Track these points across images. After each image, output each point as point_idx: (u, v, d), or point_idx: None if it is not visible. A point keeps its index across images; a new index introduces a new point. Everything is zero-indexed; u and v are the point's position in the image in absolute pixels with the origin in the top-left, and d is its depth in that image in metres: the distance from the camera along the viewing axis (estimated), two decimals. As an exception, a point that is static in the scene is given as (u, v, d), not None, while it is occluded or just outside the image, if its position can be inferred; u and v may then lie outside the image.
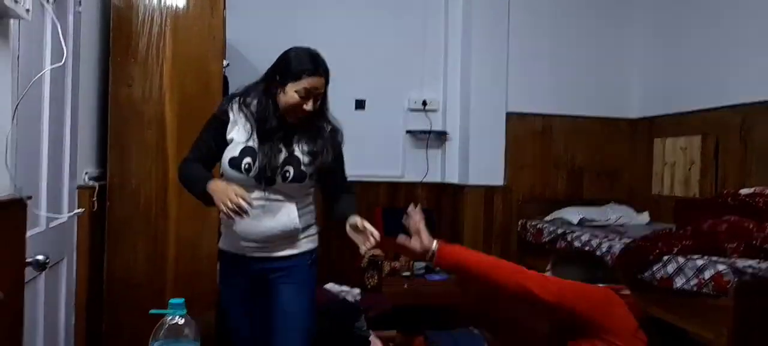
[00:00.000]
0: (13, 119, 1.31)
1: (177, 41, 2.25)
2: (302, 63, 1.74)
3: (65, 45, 1.45)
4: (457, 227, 4.05)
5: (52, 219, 1.71)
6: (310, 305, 1.89)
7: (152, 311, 1.04)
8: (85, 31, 2.05)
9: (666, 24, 4.06)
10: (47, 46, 1.56)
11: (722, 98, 3.49)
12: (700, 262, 2.40)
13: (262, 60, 3.77)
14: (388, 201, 4.09)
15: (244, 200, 1.59)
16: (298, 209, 1.81)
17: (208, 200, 1.69)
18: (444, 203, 4.17)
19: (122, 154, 2.25)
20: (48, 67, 1.52)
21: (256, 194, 1.73)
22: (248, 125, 1.77)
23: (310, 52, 1.79)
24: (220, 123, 1.79)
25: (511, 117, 4.06)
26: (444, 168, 4.18)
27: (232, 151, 1.74)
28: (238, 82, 3.31)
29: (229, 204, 1.59)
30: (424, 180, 4.13)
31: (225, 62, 2.40)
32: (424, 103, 4.08)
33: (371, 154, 3.96)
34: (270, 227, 1.77)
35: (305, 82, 1.72)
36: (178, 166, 1.83)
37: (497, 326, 3.52)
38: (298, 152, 1.78)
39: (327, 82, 1.79)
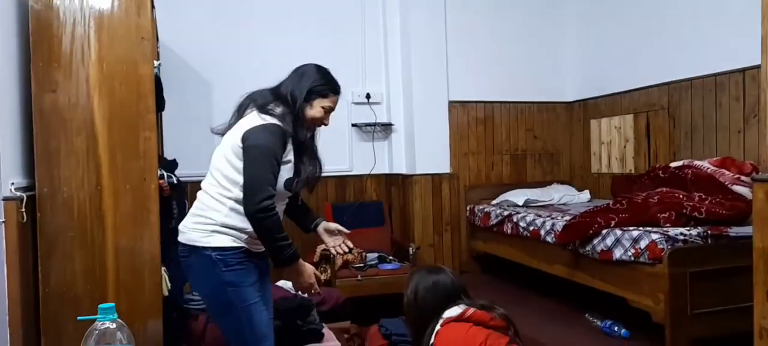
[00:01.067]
0: None
1: (103, 44, 2.15)
2: (331, 82, 1.90)
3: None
4: (407, 217, 4.09)
5: (-26, 234, 1.61)
6: None
7: (80, 318, 1.00)
8: (3, 35, 1.94)
9: (596, 10, 4.22)
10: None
11: (650, 78, 3.67)
12: (635, 233, 2.52)
13: (199, 58, 3.72)
14: (337, 195, 4.09)
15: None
16: None
17: (279, 265, 1.84)
18: (393, 193, 4.20)
19: (50, 162, 2.14)
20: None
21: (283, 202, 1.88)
22: (290, 145, 1.83)
23: (327, 70, 1.94)
24: (285, 145, 1.80)
25: (453, 106, 4.12)
26: (391, 159, 4.20)
27: (288, 172, 1.82)
28: (174, 82, 3.25)
29: (312, 290, 1.92)
30: (372, 172, 4.15)
31: (157, 63, 2.32)
32: (368, 96, 4.09)
33: (318, 148, 3.93)
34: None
35: (330, 100, 1.89)
36: (272, 206, 1.72)
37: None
38: (300, 167, 1.89)
39: None
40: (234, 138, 1.78)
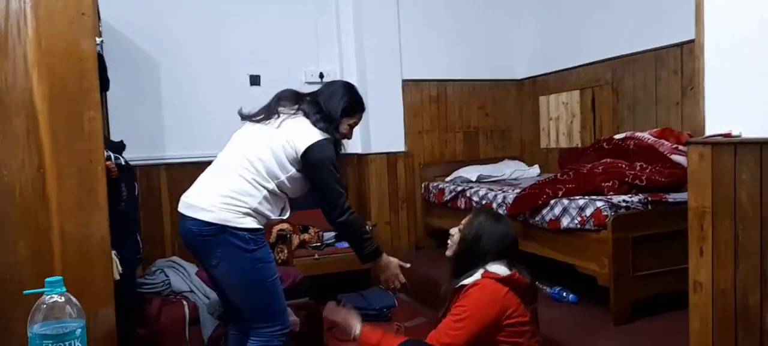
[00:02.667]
0: None
1: (40, 20, 2.06)
2: (359, 102, 2.13)
3: None
4: (363, 195, 4.12)
5: None
6: None
7: (27, 292, 0.97)
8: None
9: (543, -13, 4.31)
10: None
11: (595, 54, 3.80)
12: (581, 201, 2.63)
13: (145, 36, 3.60)
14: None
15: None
16: None
17: (362, 261, 2.13)
18: (349, 172, 4.21)
19: (-12, 146, 2.05)
20: None
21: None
22: None
23: (355, 89, 2.16)
24: (338, 154, 2.04)
25: (407, 84, 4.15)
26: (346, 139, 4.20)
27: None
28: (118, 60, 3.14)
29: (397, 284, 2.16)
30: (327, 152, 4.14)
31: (99, 40, 2.24)
32: (321, 75, 4.06)
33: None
34: None
35: (356, 118, 2.13)
36: (350, 207, 2.03)
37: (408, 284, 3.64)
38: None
39: None
40: (293, 142, 1.95)
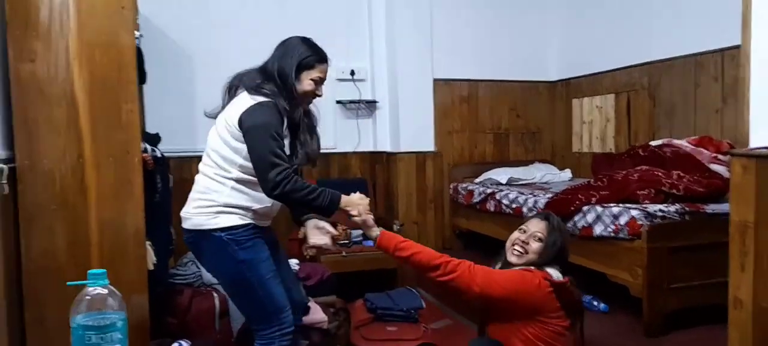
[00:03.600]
0: None
1: (82, 13, 2.10)
2: (314, 53, 1.87)
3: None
4: (391, 194, 4.11)
5: (-46, 204, 1.58)
6: None
7: (71, 283, 0.99)
8: (-23, 4, 1.88)
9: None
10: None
11: (631, 58, 3.71)
12: (616, 209, 2.57)
13: (180, 32, 3.65)
14: (321, 172, 4.08)
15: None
16: None
17: (326, 214, 1.82)
18: (377, 171, 4.21)
19: (30, 133, 2.09)
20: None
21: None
22: (285, 124, 1.84)
23: (312, 41, 1.91)
24: (281, 123, 1.80)
25: (438, 84, 4.13)
26: (376, 136, 4.20)
27: (285, 149, 1.82)
28: (155, 55, 3.19)
29: (364, 219, 1.82)
30: (357, 150, 4.15)
31: (138, 34, 2.28)
32: (353, 72, 4.07)
33: (316, 122, 3.93)
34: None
35: (318, 71, 1.87)
36: (285, 177, 1.71)
37: (434, 284, 3.62)
38: (298, 145, 1.91)
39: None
40: (229, 119, 1.79)
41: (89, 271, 0.97)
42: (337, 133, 4.10)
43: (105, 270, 0.97)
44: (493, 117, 4.36)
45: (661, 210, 2.50)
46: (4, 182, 1.98)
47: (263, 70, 1.87)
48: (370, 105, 4.15)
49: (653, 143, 3.19)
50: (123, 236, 2.24)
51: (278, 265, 1.95)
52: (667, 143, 3.08)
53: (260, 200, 1.82)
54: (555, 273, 1.78)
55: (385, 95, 4.13)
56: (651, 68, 3.58)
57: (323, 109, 3.93)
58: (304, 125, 1.89)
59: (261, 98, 1.79)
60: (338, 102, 4.07)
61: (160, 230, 2.62)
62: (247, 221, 1.82)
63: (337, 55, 3.98)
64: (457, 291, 1.74)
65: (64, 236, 2.17)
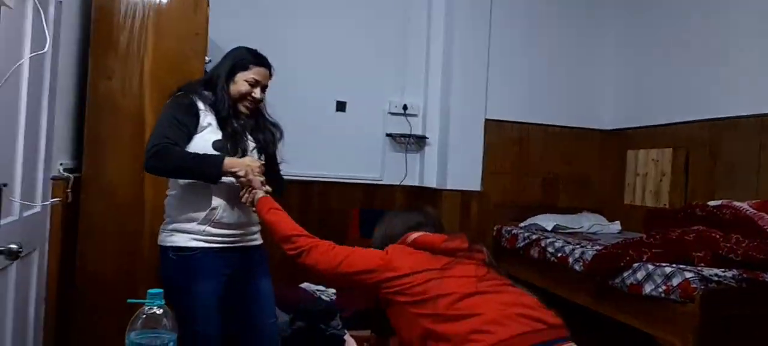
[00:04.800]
0: (-10, 106, 1.30)
1: (159, 36, 2.24)
2: (249, 56, 1.91)
3: (47, 32, 1.44)
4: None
5: (27, 208, 1.68)
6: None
7: (130, 301, 1.04)
8: (65, 21, 2.03)
9: (638, 39, 4.17)
10: (27, 34, 1.55)
11: (692, 113, 3.61)
12: (668, 269, 2.47)
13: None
14: (365, 202, 4.11)
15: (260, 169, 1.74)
16: None
17: (212, 178, 1.72)
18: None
19: (98, 147, 2.22)
20: (28, 55, 1.50)
21: (230, 180, 1.77)
22: (210, 115, 1.83)
23: (254, 50, 1.97)
24: (193, 113, 1.78)
25: (489, 124, 4.12)
26: (422, 172, 4.22)
27: (212, 135, 1.79)
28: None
29: (256, 173, 1.72)
30: (403, 183, 4.16)
31: (207, 59, 2.39)
32: (405, 107, 4.12)
33: (350, 155, 3.99)
34: (248, 212, 1.85)
35: (253, 72, 1.87)
36: (157, 150, 1.68)
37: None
38: (257, 139, 1.92)
39: (271, 75, 1.96)
40: None
41: (148, 290, 1.01)
42: (384, 166, 4.14)
43: (162, 290, 1.01)
44: (543, 161, 4.30)
45: (717, 275, 2.39)
46: (69, 190, 2.10)
47: (205, 76, 1.97)
48: (420, 140, 4.18)
49: (711, 203, 3.07)
50: (173, 251, 2.32)
51: (251, 292, 1.87)
52: (726, 205, 2.95)
53: (208, 198, 1.76)
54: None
55: (435, 131, 4.15)
56: (713, 125, 3.47)
57: (373, 141, 4.06)
58: (239, 126, 1.86)
59: (177, 93, 1.84)
60: (388, 135, 4.12)
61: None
62: (196, 243, 1.76)
63: (392, 90, 4.12)
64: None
65: (118, 246, 2.27)
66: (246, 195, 1.76)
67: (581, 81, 4.34)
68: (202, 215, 1.76)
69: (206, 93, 1.85)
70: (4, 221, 1.42)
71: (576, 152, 4.37)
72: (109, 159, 2.23)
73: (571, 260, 3.07)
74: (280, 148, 2.03)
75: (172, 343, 1.00)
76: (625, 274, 2.65)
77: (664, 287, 2.45)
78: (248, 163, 1.75)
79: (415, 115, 4.18)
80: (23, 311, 1.79)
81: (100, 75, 2.19)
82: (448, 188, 4.00)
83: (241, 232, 1.87)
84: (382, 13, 4.09)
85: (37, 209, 1.83)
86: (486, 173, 4.12)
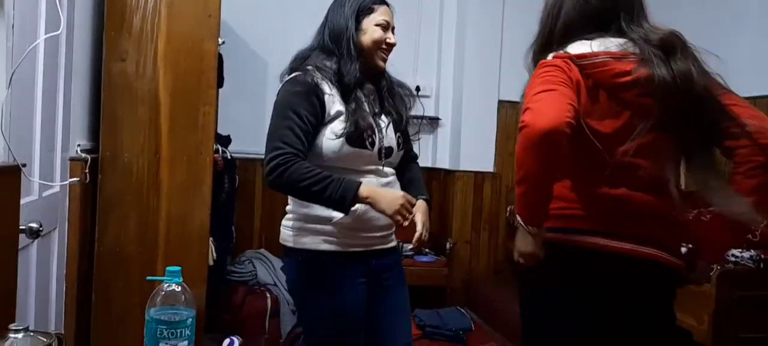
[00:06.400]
0: (8, 88, 1.31)
1: (172, 18, 2.24)
2: None
3: (62, 12, 1.44)
4: (446, 212, 4.09)
5: (45, 188, 1.71)
6: None
7: (149, 278, 1.05)
8: (79, 3, 2.04)
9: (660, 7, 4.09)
10: (42, 15, 1.56)
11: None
12: (684, 249, 2.45)
13: (256, 39, 3.79)
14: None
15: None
16: None
17: (342, 209, 1.42)
18: (434, 187, 4.20)
19: (114, 128, 2.24)
20: (43, 36, 1.51)
21: (382, 169, 1.53)
22: (337, 95, 1.50)
23: None
24: (316, 100, 1.46)
25: (503, 105, 4.08)
26: (435, 153, 4.20)
27: (341, 126, 1.46)
28: (232, 60, 3.34)
29: (405, 213, 1.41)
30: (415, 164, 4.16)
31: (220, 40, 2.39)
32: (418, 88, 4.09)
33: (396, 84, 3.98)
34: None
35: (380, 13, 1.57)
36: (277, 167, 1.39)
37: (483, 307, 3.58)
38: (393, 113, 1.59)
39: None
40: None
41: (167, 267, 1.03)
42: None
43: (180, 268, 1.03)
44: (557, 142, 4.26)
45: (733, 255, 2.37)
46: (86, 171, 2.13)
47: (318, 42, 1.61)
48: (433, 122, 4.16)
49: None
50: (189, 230, 2.35)
51: (382, 306, 1.57)
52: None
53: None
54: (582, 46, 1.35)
55: (448, 113, 4.13)
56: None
57: (386, 122, 4.03)
58: (371, 102, 1.55)
59: (293, 75, 1.52)
60: (401, 116, 4.10)
61: (223, 228, 2.73)
62: (329, 247, 1.50)
63: (405, 72, 4.05)
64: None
65: (136, 226, 2.30)
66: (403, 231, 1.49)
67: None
68: (338, 214, 1.45)
69: (328, 63, 1.51)
70: (24, 201, 1.44)
71: (590, 133, 4.32)
72: (125, 140, 2.25)
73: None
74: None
75: (190, 319, 1.01)
76: (641, 255, 2.63)
77: (679, 268, 2.44)
78: (392, 200, 1.42)
79: (427, 97, 4.15)
80: (45, 288, 1.83)
81: (114, 57, 2.20)
82: (462, 169, 3.99)
83: (382, 234, 1.58)
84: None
85: (56, 189, 1.86)
86: (499, 154, 4.10)
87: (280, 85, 1.55)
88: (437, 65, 4.17)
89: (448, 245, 3.60)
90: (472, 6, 3.96)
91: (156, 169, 2.29)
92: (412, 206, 1.47)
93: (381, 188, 1.48)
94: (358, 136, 1.47)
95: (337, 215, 1.46)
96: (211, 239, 2.46)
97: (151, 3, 2.21)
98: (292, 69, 1.58)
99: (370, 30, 1.55)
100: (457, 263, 3.95)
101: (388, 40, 1.57)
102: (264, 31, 3.77)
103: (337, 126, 1.48)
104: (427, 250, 3.67)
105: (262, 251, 3.35)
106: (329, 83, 1.51)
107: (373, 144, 1.50)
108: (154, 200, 2.30)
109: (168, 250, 2.33)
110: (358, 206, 1.45)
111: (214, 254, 2.54)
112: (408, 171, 1.71)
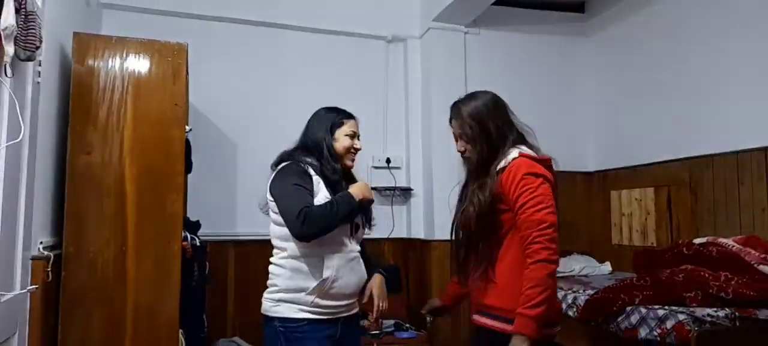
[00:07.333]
0: (-35, 194, 1.28)
1: (138, 108, 2.25)
2: (337, 113, 2.04)
3: (22, 121, 1.43)
4: (425, 282, 4.04)
5: (3, 295, 1.63)
6: None
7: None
8: (44, 101, 2.02)
9: (615, 82, 4.28)
10: (4, 121, 1.54)
11: (671, 152, 3.67)
12: (661, 312, 2.46)
13: (226, 120, 3.81)
14: (354, 259, 4.06)
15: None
16: None
17: (356, 210, 1.86)
18: (411, 257, 4.17)
19: (79, 222, 2.19)
20: (4, 144, 1.48)
21: (349, 245, 1.89)
22: (319, 180, 1.88)
23: (336, 107, 2.09)
24: (309, 180, 1.85)
25: (473, 173, 4.13)
26: (410, 223, 4.20)
27: (325, 196, 1.85)
28: (201, 144, 3.34)
29: (370, 195, 1.91)
30: (391, 236, 4.14)
31: (187, 128, 2.39)
32: (388, 160, 4.13)
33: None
34: (360, 279, 1.92)
35: (348, 125, 2.01)
36: (305, 216, 1.72)
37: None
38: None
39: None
40: (267, 196, 1.89)
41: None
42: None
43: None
44: (529, 206, 4.31)
45: (709, 315, 2.38)
46: (49, 269, 2.05)
47: (302, 145, 1.99)
48: (405, 192, 4.18)
49: (697, 241, 3.08)
50: (158, 322, 2.27)
51: None
52: (712, 242, 2.97)
53: (320, 269, 1.80)
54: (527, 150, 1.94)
55: (420, 182, 4.16)
56: (692, 163, 3.53)
57: (358, 196, 4.03)
58: (349, 179, 1.98)
59: (284, 164, 1.89)
60: (373, 188, 4.10)
61: (194, 317, 2.63)
62: (304, 315, 1.80)
63: (374, 144, 4.14)
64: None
65: (100, 321, 2.21)
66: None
67: (562, 125, 4.41)
68: (312, 285, 1.80)
69: (309, 160, 1.90)
70: (-20, 310, 1.37)
71: (562, 195, 4.34)
72: (90, 234, 2.19)
73: (564, 306, 3.05)
74: None
75: None
76: (620, 318, 2.63)
77: (659, 331, 2.43)
78: (361, 186, 1.90)
79: (398, 168, 4.19)
80: (1, 402, 1.71)
81: (79, 150, 2.18)
82: (437, 238, 3.98)
83: (349, 302, 1.91)
84: (361, 69, 4.16)
85: (16, 293, 1.78)
86: (473, 222, 4.11)
87: (274, 173, 1.90)
88: (406, 137, 4.24)
89: (428, 319, 3.54)
90: (435, 77, 4.08)
91: (122, 261, 2.23)
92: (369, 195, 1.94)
93: (358, 184, 1.92)
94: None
95: (312, 284, 1.79)
96: (180, 330, 2.37)
97: (117, 95, 2.22)
98: (281, 160, 1.93)
99: (341, 139, 1.98)
100: (440, 336, 3.87)
101: (355, 146, 2.01)
102: (232, 113, 3.80)
103: (321, 196, 1.84)
104: (407, 325, 3.60)
105: (236, 339, 3.24)
106: (312, 170, 1.88)
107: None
108: (120, 293, 2.23)
109: (136, 344, 2.23)
110: (330, 275, 1.81)
111: (185, 346, 2.44)
112: (366, 256, 2.04)
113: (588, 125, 4.46)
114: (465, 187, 2.05)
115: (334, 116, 2.01)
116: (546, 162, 1.88)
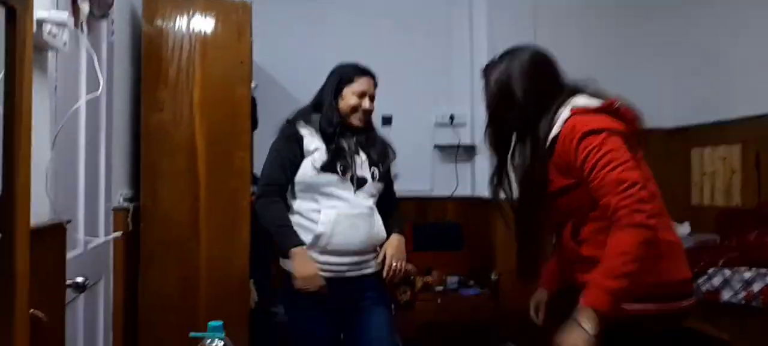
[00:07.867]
0: (52, 148, 1.34)
1: (206, 66, 2.29)
2: (352, 68, 1.95)
3: (101, 75, 1.48)
4: (488, 240, 3.99)
5: (90, 241, 1.74)
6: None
7: (192, 335, 1.04)
8: (118, 59, 2.10)
9: (698, 31, 3.95)
10: (83, 75, 1.60)
11: (761, 106, 3.37)
12: (747, 274, 2.31)
13: (290, 79, 3.85)
14: (417, 216, 4.05)
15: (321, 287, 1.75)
16: None
17: (282, 250, 1.81)
18: (474, 216, 4.11)
19: (154, 177, 2.29)
20: (84, 98, 1.55)
21: (352, 200, 1.82)
22: (318, 138, 1.85)
23: (355, 63, 2.01)
24: (295, 142, 1.84)
25: (540, 129, 3.99)
26: (474, 182, 4.13)
27: (320, 158, 1.80)
28: (267, 103, 3.38)
29: (310, 288, 1.73)
30: (454, 195, 4.09)
31: (253, 84, 2.42)
32: (452, 117, 4.05)
33: (399, 169, 3.92)
34: (367, 236, 1.83)
35: (358, 84, 1.90)
36: (259, 202, 1.83)
37: (533, 343, 3.43)
38: (370, 155, 1.90)
39: (375, 84, 1.98)
40: None
41: (209, 323, 1.01)
42: (434, 178, 4.08)
43: (222, 322, 1.01)
44: (601, 164, 4.12)
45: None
46: (129, 220, 2.16)
47: (314, 100, 1.98)
48: (469, 150, 4.10)
49: (789, 201, 2.85)
50: (229, 274, 2.36)
51: (356, 324, 1.85)
52: (806, 201, 2.74)
53: (314, 224, 1.78)
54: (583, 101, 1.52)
55: (484, 140, 4.06)
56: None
57: (422, 153, 4.00)
58: (350, 144, 1.86)
59: (281, 126, 1.92)
60: (436, 146, 4.06)
61: (263, 269, 2.72)
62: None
63: (438, 100, 4.06)
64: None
65: (177, 273, 2.32)
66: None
67: (637, 79, 4.12)
68: (309, 239, 1.78)
69: (315, 116, 1.87)
70: (70, 255, 1.47)
71: (636, 153, 4.17)
72: (164, 189, 2.29)
73: (636, 267, 2.91)
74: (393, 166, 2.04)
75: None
76: (700, 280, 2.49)
77: (744, 293, 2.29)
78: (306, 277, 1.73)
79: (463, 125, 4.10)
80: (92, 341, 1.84)
81: (151, 108, 2.26)
82: (502, 196, 3.90)
83: (358, 259, 1.84)
84: (425, 24, 4.06)
85: (101, 241, 1.89)
86: (541, 180, 3.99)
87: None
88: (470, 93, 4.12)
89: (492, 277, 3.49)
90: (502, 32, 3.91)
91: (195, 215, 2.31)
92: (320, 286, 1.75)
93: (306, 260, 1.76)
94: (330, 164, 1.80)
95: (309, 238, 1.77)
96: (251, 280, 2.46)
97: (185, 54, 2.27)
98: (287, 120, 1.96)
99: (348, 97, 1.89)
100: (506, 296, 3.82)
101: (364, 107, 1.91)
102: (298, 72, 3.82)
103: (317, 157, 1.81)
104: (471, 282, 3.58)
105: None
106: (313, 130, 1.87)
107: (345, 172, 1.81)
108: (193, 247, 2.32)
109: (209, 296, 2.34)
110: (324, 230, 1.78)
111: (256, 296, 2.53)
112: (389, 216, 1.97)
113: (666, 79, 4.16)
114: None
115: (345, 72, 1.93)
116: (609, 108, 1.50)
